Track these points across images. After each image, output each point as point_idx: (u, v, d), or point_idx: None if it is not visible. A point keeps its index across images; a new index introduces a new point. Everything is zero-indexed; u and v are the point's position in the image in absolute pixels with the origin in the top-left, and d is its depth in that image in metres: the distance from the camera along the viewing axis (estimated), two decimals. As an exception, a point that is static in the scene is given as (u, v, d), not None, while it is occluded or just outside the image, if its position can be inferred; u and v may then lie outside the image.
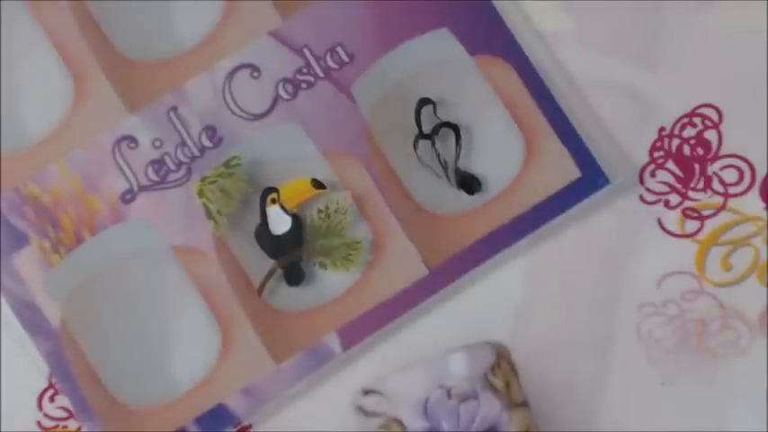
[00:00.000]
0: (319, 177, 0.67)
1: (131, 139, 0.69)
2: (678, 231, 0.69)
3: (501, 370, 0.60)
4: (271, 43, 0.69)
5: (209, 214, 0.67)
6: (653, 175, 0.69)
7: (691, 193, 0.69)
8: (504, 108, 0.69)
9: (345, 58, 0.69)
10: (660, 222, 0.69)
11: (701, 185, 0.69)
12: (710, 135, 0.69)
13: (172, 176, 0.68)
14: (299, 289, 0.67)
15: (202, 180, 0.67)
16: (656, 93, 0.70)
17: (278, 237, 0.67)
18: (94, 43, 0.69)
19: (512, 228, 0.68)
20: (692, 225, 0.69)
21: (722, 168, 0.69)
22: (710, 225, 0.69)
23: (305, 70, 0.69)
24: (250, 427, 0.68)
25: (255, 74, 0.69)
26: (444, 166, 0.68)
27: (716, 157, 0.69)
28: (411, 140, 0.68)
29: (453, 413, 0.59)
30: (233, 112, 0.69)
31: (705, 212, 0.69)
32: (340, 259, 0.67)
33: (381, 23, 0.69)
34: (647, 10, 0.70)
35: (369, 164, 0.68)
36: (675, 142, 0.69)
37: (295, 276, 0.67)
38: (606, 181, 0.68)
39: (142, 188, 0.68)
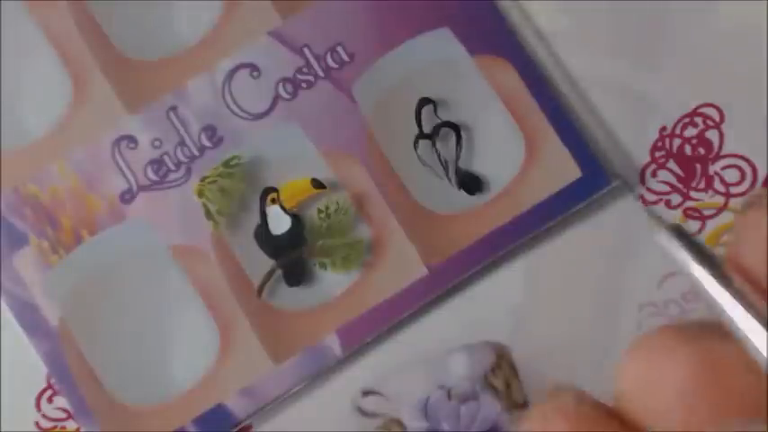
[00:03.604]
0: (319, 177, 0.67)
1: (131, 139, 0.69)
2: (679, 231, 0.68)
3: (501, 370, 0.60)
4: (271, 43, 0.69)
5: (208, 214, 0.67)
6: (654, 174, 0.69)
7: (692, 193, 0.69)
8: (504, 108, 0.68)
9: (345, 58, 0.69)
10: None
11: (702, 185, 0.69)
12: (712, 135, 0.69)
13: (171, 176, 0.68)
14: (299, 289, 0.67)
15: (202, 180, 0.67)
16: (657, 92, 0.69)
17: (278, 237, 0.67)
18: (94, 43, 0.69)
19: (512, 228, 0.67)
20: (693, 225, 0.69)
21: (724, 168, 0.69)
22: (712, 225, 0.69)
23: (305, 70, 0.69)
24: (250, 427, 0.68)
25: (255, 74, 0.69)
26: (445, 165, 0.68)
27: (717, 157, 0.69)
28: (411, 140, 0.68)
29: (453, 414, 0.59)
30: (233, 112, 0.69)
31: (706, 212, 0.69)
32: (340, 259, 0.67)
33: (381, 23, 0.69)
34: (649, 10, 0.70)
35: (369, 164, 0.68)
36: (676, 142, 0.69)
37: (295, 276, 0.67)
38: (607, 181, 0.68)
39: (141, 188, 0.68)
